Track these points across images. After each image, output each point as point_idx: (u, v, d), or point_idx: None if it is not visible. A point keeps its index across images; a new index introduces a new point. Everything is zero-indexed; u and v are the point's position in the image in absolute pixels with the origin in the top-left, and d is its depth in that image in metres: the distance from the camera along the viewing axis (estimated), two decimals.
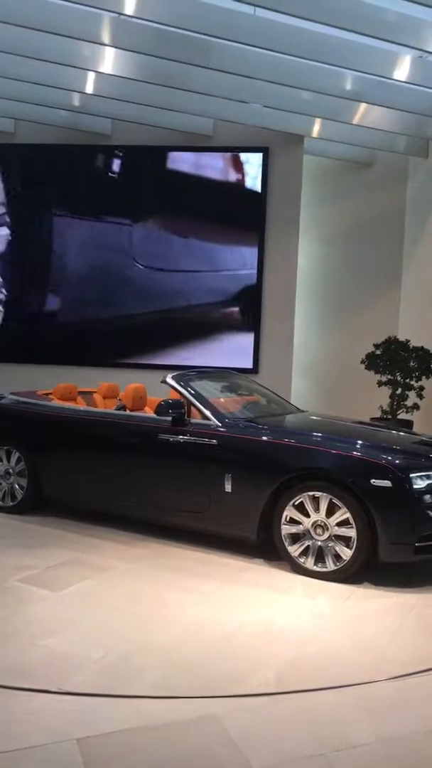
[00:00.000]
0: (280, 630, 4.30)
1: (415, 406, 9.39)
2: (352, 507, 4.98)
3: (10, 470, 6.55)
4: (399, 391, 9.46)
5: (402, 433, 6.38)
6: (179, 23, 6.99)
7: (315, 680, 3.64)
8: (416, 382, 9.42)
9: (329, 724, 3.27)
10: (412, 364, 9.40)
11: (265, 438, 5.56)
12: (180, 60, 7.70)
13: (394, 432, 6.38)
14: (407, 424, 9.28)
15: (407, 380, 9.43)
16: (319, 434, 5.64)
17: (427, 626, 4.47)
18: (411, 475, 4.99)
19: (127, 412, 6.41)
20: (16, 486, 6.52)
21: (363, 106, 8.97)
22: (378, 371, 9.55)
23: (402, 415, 9.47)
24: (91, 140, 10.22)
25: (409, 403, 9.45)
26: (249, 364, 10.12)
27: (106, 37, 7.36)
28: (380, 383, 9.56)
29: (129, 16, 6.85)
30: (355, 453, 5.22)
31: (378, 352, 9.57)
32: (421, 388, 9.38)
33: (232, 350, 10.31)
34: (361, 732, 3.20)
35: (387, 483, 4.94)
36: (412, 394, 9.45)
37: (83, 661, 3.77)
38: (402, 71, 7.88)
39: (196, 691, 3.51)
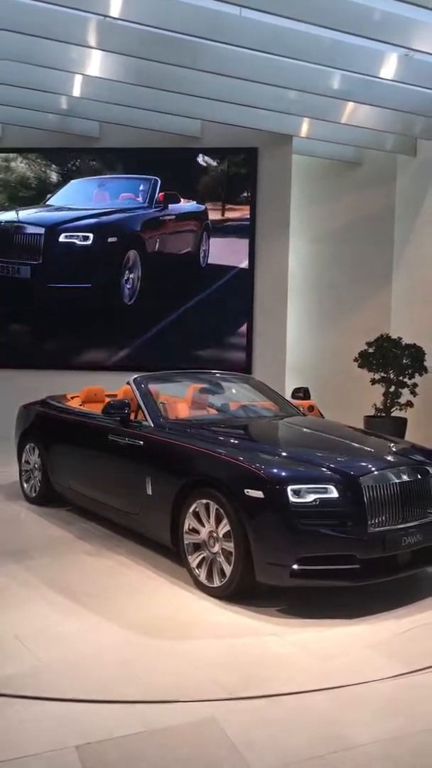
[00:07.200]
0: (57, 637, 4.08)
1: (409, 404, 9.39)
2: (232, 518, 4.50)
3: (36, 465, 6.85)
4: (392, 388, 9.47)
5: (381, 441, 5.54)
6: (165, 25, 6.99)
7: (49, 689, 3.49)
8: (409, 379, 9.43)
9: (328, 725, 3.26)
10: (405, 361, 9.41)
11: (173, 441, 5.22)
12: (166, 62, 7.69)
13: (372, 438, 5.62)
14: (401, 422, 9.29)
15: (400, 378, 9.44)
16: (234, 439, 5.21)
17: (243, 660, 3.90)
18: (289, 487, 4.36)
19: (95, 412, 6.44)
20: (38, 480, 6.82)
21: (351, 105, 8.98)
22: (371, 369, 9.56)
23: (396, 413, 9.48)
24: (79, 143, 10.20)
25: (402, 400, 9.45)
26: (242, 364, 10.11)
27: (92, 40, 7.35)
28: (373, 381, 9.57)
29: (114, 18, 6.85)
30: (237, 459, 4.69)
31: (370, 350, 9.58)
32: (415, 386, 9.39)
33: (224, 350, 10.31)
34: (359, 732, 3.20)
35: (259, 494, 4.40)
36: (405, 392, 9.46)
37: None
38: (389, 70, 7.90)
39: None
